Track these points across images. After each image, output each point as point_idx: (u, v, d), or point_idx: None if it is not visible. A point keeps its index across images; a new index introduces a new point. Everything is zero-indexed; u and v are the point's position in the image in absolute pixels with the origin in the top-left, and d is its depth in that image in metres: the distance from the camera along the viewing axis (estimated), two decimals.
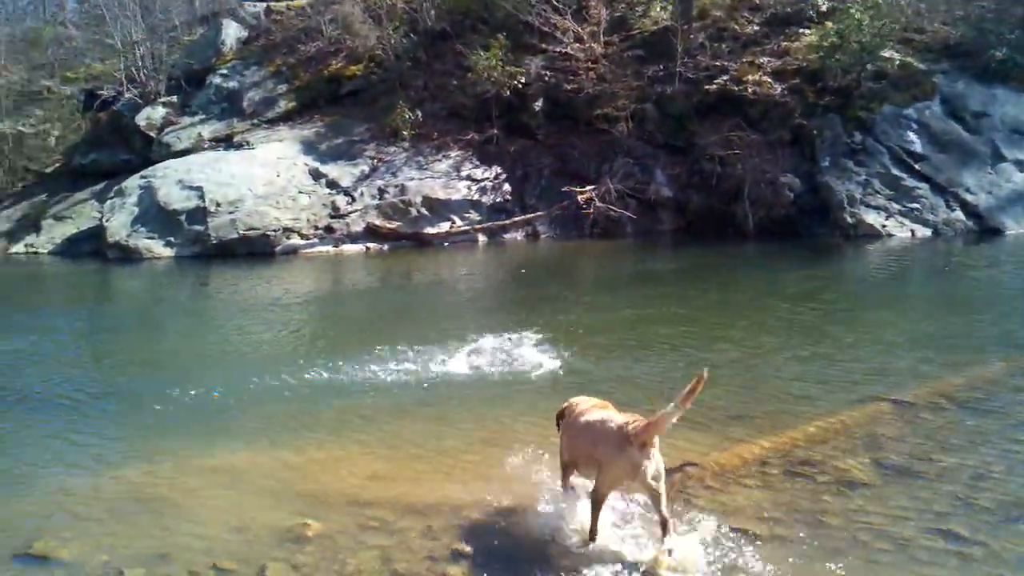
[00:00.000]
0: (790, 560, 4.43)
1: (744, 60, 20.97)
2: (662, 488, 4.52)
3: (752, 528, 4.79)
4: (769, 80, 20.30)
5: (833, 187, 18.65)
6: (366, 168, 21.61)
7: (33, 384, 8.89)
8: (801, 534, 4.73)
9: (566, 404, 5.31)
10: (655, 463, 4.51)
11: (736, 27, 21.82)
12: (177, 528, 5.08)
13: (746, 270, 16.05)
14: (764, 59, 20.89)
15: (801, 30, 21.43)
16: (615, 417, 4.80)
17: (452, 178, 21.15)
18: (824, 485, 5.38)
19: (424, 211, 20.35)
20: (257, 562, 4.61)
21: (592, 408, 5.06)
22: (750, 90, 20.19)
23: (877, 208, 18.50)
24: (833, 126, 19.49)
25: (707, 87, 20.65)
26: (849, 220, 18.30)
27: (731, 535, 4.67)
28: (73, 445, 6.87)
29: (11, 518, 5.40)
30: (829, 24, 20.60)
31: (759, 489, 5.33)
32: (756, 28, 21.82)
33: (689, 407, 4.38)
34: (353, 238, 20.04)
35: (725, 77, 20.66)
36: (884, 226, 18.13)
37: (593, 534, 4.60)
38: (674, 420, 4.42)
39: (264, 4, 28.13)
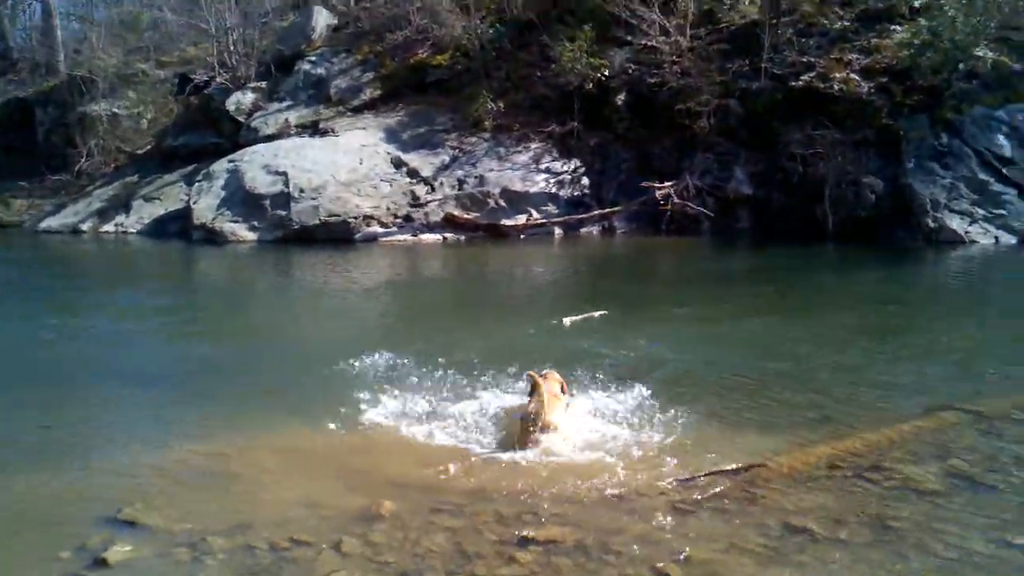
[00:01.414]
0: (851, 562, 4.44)
1: (832, 56, 20.57)
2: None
3: (815, 528, 4.79)
4: (856, 78, 19.93)
5: (917, 190, 18.28)
6: (447, 158, 21.85)
7: (121, 360, 9.28)
8: (865, 538, 4.71)
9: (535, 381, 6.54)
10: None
11: (825, 22, 21.42)
12: (255, 502, 5.28)
13: (823, 272, 15.87)
14: (852, 56, 20.48)
15: (892, 26, 20.86)
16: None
17: (531, 170, 21.26)
18: (891, 490, 5.34)
19: (502, 203, 20.51)
20: (332, 537, 4.75)
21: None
22: (836, 88, 19.83)
23: (961, 213, 18.07)
24: (920, 127, 19.05)
25: (792, 83, 20.33)
26: (931, 224, 17.91)
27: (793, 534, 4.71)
28: (158, 419, 7.17)
29: (101, 485, 5.67)
30: (921, 21, 20.07)
31: (825, 491, 5.31)
32: (846, 24, 21.36)
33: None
34: (431, 227, 20.30)
35: (811, 74, 20.32)
36: (967, 232, 17.71)
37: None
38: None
39: None
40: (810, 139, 19.44)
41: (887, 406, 7.17)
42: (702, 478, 5.43)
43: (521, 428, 6.23)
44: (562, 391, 6.77)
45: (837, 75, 20.03)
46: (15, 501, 5.43)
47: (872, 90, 19.68)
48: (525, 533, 4.78)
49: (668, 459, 5.82)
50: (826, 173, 18.96)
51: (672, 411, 6.77)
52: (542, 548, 4.63)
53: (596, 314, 10.58)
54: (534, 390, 6.54)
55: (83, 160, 27.30)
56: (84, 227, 23.80)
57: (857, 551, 4.58)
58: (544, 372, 6.96)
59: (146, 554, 4.60)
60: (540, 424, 6.14)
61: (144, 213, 23.44)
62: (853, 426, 6.52)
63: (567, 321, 10.20)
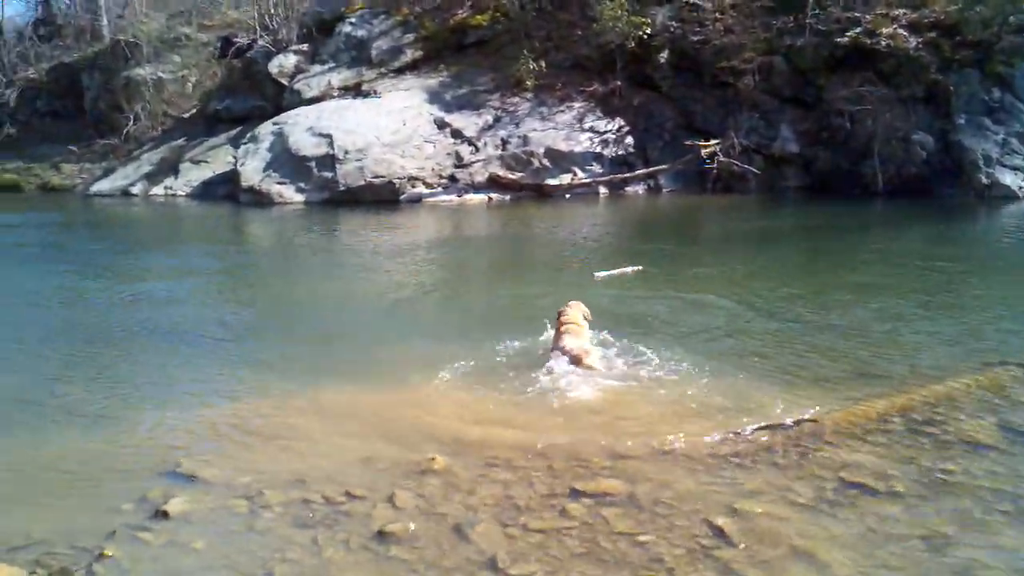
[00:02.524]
0: (906, 516, 4.44)
1: (878, 12, 20.23)
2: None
3: (870, 483, 4.77)
4: (904, 33, 19.61)
5: (968, 146, 18.04)
6: (489, 118, 21.84)
7: (177, 319, 9.43)
8: (920, 492, 4.69)
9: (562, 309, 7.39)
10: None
11: None
12: (310, 457, 5.37)
13: (872, 228, 15.70)
14: (899, 11, 20.14)
15: None
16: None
17: (575, 130, 21.21)
18: (946, 445, 5.29)
19: (546, 162, 20.49)
20: (386, 491, 4.82)
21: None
22: (883, 43, 19.55)
23: (1014, 168, 17.82)
24: (970, 82, 18.76)
25: (838, 40, 20.06)
26: (984, 180, 17.68)
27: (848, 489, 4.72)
28: (213, 376, 7.30)
29: (160, 440, 5.81)
30: None
31: (879, 447, 5.27)
32: None
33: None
34: (476, 188, 20.35)
35: (858, 29, 20.02)
36: (1021, 187, 17.46)
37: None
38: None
39: None
40: (857, 96, 19.21)
41: (940, 361, 7.10)
42: (753, 432, 5.46)
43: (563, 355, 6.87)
44: (585, 320, 7.40)
45: (884, 31, 19.72)
46: (78, 455, 5.56)
47: (920, 45, 19.38)
48: (576, 486, 4.82)
49: (716, 413, 5.84)
50: (874, 130, 18.75)
51: (718, 366, 6.79)
52: (593, 500, 4.66)
53: (629, 269, 10.59)
54: (561, 323, 7.26)
55: (130, 124, 27.60)
56: (134, 190, 24.13)
57: (912, 505, 4.56)
58: (569, 304, 7.53)
59: (205, 506, 4.70)
60: (571, 353, 6.84)
61: (192, 176, 23.71)
62: (905, 381, 6.48)
63: (599, 275, 10.20)
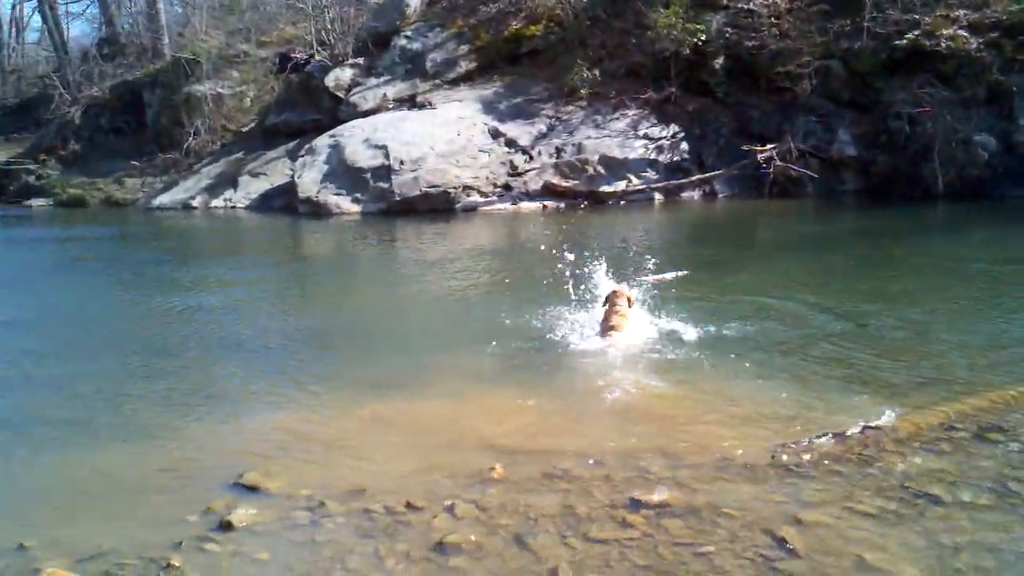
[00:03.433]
0: (976, 526, 4.35)
1: (938, 14, 19.87)
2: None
3: (937, 492, 4.69)
4: (964, 34, 19.25)
5: None
6: (544, 127, 21.87)
7: (236, 329, 9.58)
8: (989, 500, 4.60)
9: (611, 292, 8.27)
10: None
11: None
12: (369, 467, 5.42)
13: (933, 232, 15.51)
14: (960, 12, 19.76)
15: None
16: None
17: (629, 137, 21.16)
18: (1015, 453, 5.19)
19: (601, 170, 20.47)
20: (446, 501, 4.83)
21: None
22: (943, 45, 19.19)
23: None
24: None
25: (897, 42, 19.74)
26: None
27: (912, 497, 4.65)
28: (272, 386, 7.37)
29: (222, 451, 5.91)
30: None
31: (944, 454, 5.19)
32: None
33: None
34: (530, 196, 20.39)
35: (916, 31, 19.68)
36: None
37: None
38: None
39: None
40: (916, 98, 18.91)
41: (1005, 367, 6.97)
42: (815, 440, 5.40)
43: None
44: (628, 304, 8.20)
45: (944, 32, 19.37)
46: (142, 467, 5.65)
47: (981, 46, 18.99)
48: (636, 495, 4.80)
49: (777, 421, 5.81)
50: (934, 132, 18.44)
51: (777, 372, 6.77)
52: (653, 511, 4.63)
53: (671, 275, 10.38)
54: (608, 304, 8.19)
55: (190, 139, 28.04)
56: (194, 203, 24.53)
57: (981, 514, 4.48)
58: (615, 289, 8.36)
59: (268, 517, 4.75)
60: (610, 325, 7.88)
61: (251, 188, 24.05)
62: (971, 387, 6.37)
63: (650, 279, 10.12)
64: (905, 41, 19.64)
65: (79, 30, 48.19)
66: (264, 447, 5.91)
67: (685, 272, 10.57)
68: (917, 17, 19.97)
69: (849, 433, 5.46)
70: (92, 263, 15.62)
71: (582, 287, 9.13)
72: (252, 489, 5.14)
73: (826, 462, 5.12)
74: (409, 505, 4.83)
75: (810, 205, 19.06)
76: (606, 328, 7.91)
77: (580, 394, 6.61)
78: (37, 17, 46.33)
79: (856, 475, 4.94)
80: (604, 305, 8.28)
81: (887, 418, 5.69)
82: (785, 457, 5.21)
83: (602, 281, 8.95)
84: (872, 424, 5.60)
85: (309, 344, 8.89)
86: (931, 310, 9.02)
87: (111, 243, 18.82)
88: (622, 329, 7.87)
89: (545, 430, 5.94)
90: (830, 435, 5.44)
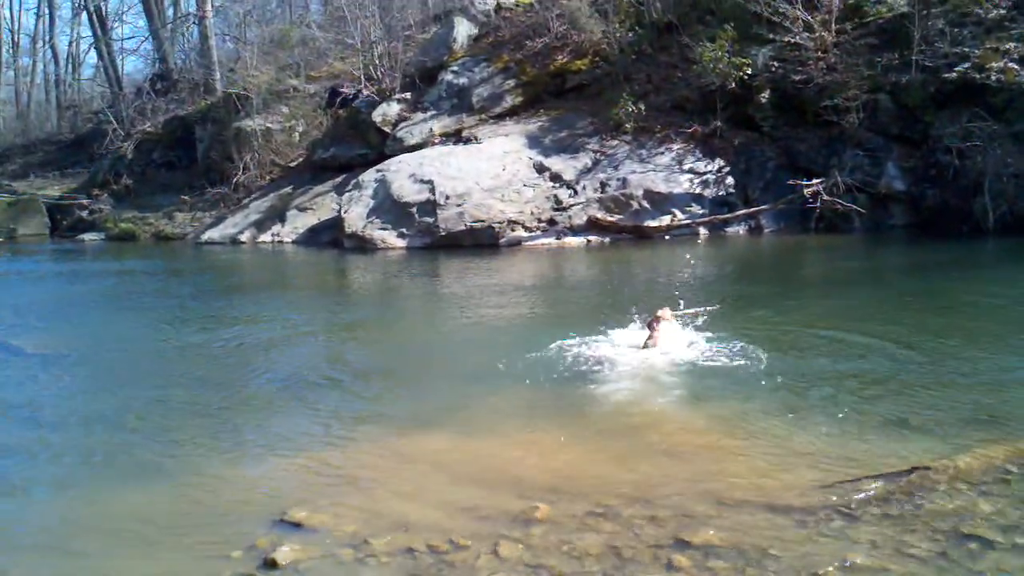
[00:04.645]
0: None
1: (987, 46, 19.68)
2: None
3: (989, 535, 4.60)
4: (1015, 67, 19.02)
5: None
6: (588, 161, 21.91)
7: (281, 364, 9.65)
8: None
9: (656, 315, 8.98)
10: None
11: (980, 11, 20.54)
12: (410, 505, 5.41)
13: (983, 268, 15.27)
14: (1010, 44, 19.57)
15: None
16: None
17: (674, 171, 21.12)
18: None
19: (645, 204, 20.44)
20: (490, 540, 4.83)
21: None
22: (993, 78, 19.00)
23: None
24: None
25: (946, 75, 19.57)
26: None
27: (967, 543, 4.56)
28: (315, 422, 7.40)
29: (265, 486, 5.94)
30: None
31: (997, 496, 5.09)
32: (1002, 12, 20.43)
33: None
34: (575, 231, 20.39)
35: (966, 65, 19.50)
36: None
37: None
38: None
39: (494, 1, 28.88)
40: (966, 132, 18.70)
41: None
42: (864, 480, 5.33)
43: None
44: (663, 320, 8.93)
45: (994, 65, 19.17)
46: (186, 504, 5.70)
47: None
48: (682, 536, 4.76)
49: (825, 460, 5.74)
50: (984, 166, 18.22)
51: (825, 410, 6.70)
52: (700, 552, 4.60)
53: (701, 309, 10.21)
54: (652, 326, 8.87)
55: (240, 174, 28.42)
56: (243, 238, 24.86)
57: None
58: (657, 314, 9.08)
59: (312, 555, 4.76)
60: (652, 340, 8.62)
61: (298, 223, 24.31)
62: (1022, 427, 6.28)
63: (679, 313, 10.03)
64: (955, 74, 19.47)
65: (133, 66, 49.50)
66: (308, 483, 5.94)
67: (716, 307, 10.48)
68: (967, 50, 19.79)
69: (899, 474, 5.38)
70: (139, 297, 15.84)
71: (624, 319, 9.17)
72: (296, 526, 5.15)
73: (875, 503, 5.05)
74: (453, 543, 4.83)
75: (857, 240, 18.88)
76: (648, 343, 8.65)
77: (623, 430, 6.57)
78: (93, 53, 47.63)
79: (907, 517, 4.86)
80: (647, 328, 8.97)
81: (937, 458, 5.61)
82: (834, 498, 5.15)
83: (643, 312, 9.42)
84: (922, 465, 5.52)
85: (352, 380, 8.92)
86: (981, 348, 8.87)
87: (158, 277, 19.08)
88: (660, 344, 8.62)
89: (589, 467, 5.92)
90: (880, 476, 5.37)
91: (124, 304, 15.26)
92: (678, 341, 8.82)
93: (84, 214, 30.81)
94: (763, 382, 7.59)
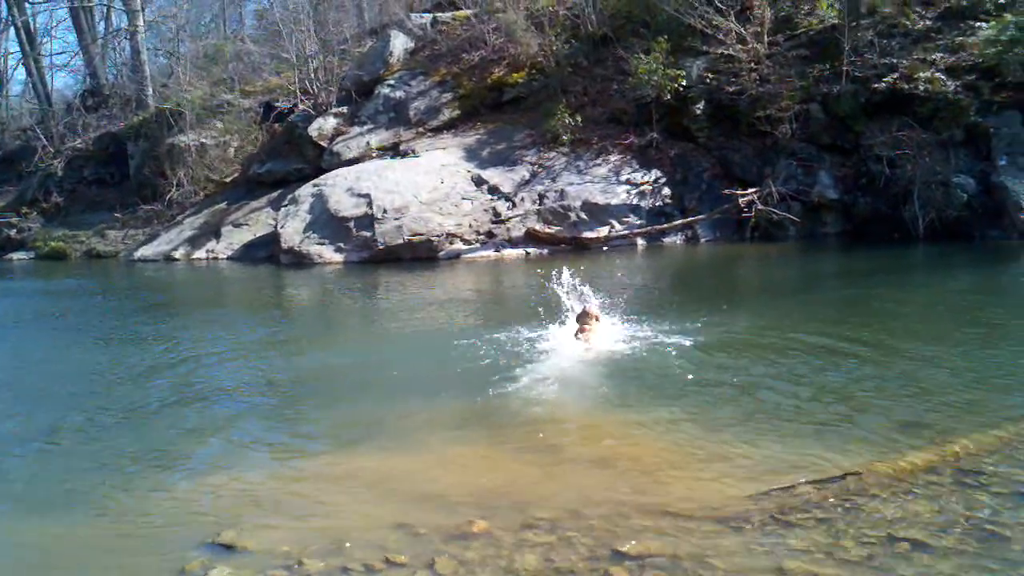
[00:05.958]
0: (959, 572, 4.28)
1: (915, 57, 20.14)
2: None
3: (920, 538, 4.64)
4: (942, 77, 19.48)
5: (1009, 187, 17.80)
6: (526, 174, 21.97)
7: (213, 383, 9.45)
8: (972, 546, 4.54)
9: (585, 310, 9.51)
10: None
11: (907, 23, 21.00)
12: (348, 523, 5.30)
13: (914, 274, 15.52)
14: (937, 55, 20.02)
15: (977, 24, 20.34)
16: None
17: (611, 182, 21.26)
18: (998, 497, 5.14)
19: (583, 216, 20.53)
20: (426, 557, 4.75)
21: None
22: (921, 88, 19.43)
23: None
24: (1011, 123, 18.55)
25: (875, 86, 19.99)
26: None
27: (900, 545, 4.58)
28: (248, 442, 7.23)
29: (196, 508, 5.77)
30: (1008, 17, 19.58)
31: (927, 499, 5.14)
32: (928, 23, 20.93)
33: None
34: (513, 243, 20.42)
35: (895, 75, 19.93)
36: None
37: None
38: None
39: (431, 15, 28.89)
40: (896, 140, 19.09)
41: (986, 410, 6.92)
42: (797, 487, 5.33)
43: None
44: (596, 320, 9.48)
45: (922, 75, 19.60)
46: (114, 528, 5.54)
47: (959, 88, 19.23)
48: (618, 547, 4.72)
49: (758, 468, 5.73)
50: (913, 174, 18.59)
51: (757, 419, 6.71)
52: (636, 563, 4.55)
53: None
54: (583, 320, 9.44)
55: (173, 190, 28.07)
56: (177, 255, 24.49)
57: (965, 560, 4.42)
58: (585, 307, 9.67)
59: None
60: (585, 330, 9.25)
61: (233, 239, 24.03)
62: (952, 431, 6.32)
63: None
64: (884, 84, 19.88)
65: (63, 82, 48.48)
66: (238, 505, 5.78)
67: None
68: (895, 61, 20.24)
69: (833, 479, 5.40)
70: (66, 317, 15.44)
71: (558, 323, 9.21)
72: (228, 548, 5.02)
73: (809, 509, 5.06)
74: (388, 561, 4.73)
75: (792, 248, 19.14)
76: (578, 335, 9.23)
77: (556, 440, 6.52)
78: (21, 69, 46.63)
79: (839, 522, 4.87)
80: (577, 322, 9.55)
81: (870, 463, 5.65)
82: (768, 504, 5.15)
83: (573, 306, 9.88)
84: (855, 470, 5.55)
85: (281, 399, 8.77)
86: (912, 353, 8.97)
87: (87, 296, 18.64)
88: (590, 339, 9.12)
89: (524, 480, 5.86)
90: (814, 482, 5.38)
91: (49, 325, 14.87)
92: (608, 338, 9.28)
93: (12, 233, 30.16)
94: (698, 391, 7.60)
